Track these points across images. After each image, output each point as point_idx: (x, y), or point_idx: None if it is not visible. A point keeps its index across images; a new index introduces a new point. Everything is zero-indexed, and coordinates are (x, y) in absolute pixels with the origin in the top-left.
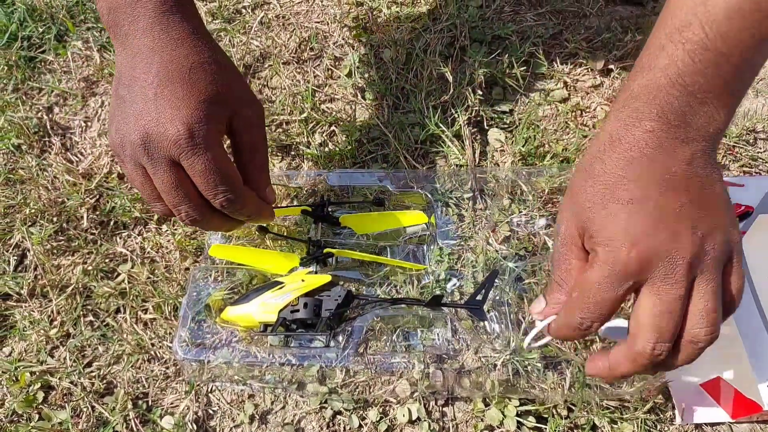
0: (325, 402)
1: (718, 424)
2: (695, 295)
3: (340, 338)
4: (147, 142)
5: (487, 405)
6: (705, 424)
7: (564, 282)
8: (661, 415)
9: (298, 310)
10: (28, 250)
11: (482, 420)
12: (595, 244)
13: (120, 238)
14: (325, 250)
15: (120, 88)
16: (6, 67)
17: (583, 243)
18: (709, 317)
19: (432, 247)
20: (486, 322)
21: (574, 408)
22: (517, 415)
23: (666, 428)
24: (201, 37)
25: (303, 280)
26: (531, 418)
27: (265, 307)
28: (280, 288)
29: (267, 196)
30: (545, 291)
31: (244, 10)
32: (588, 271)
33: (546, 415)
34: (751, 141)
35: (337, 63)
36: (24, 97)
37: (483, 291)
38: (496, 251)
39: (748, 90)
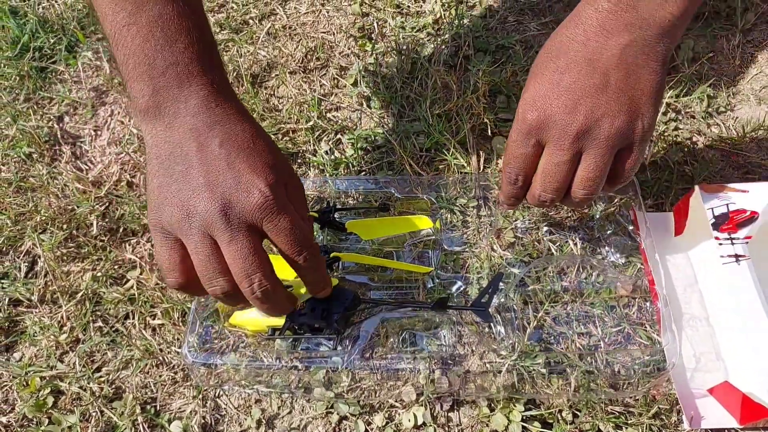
0: (332, 407)
1: (726, 429)
2: (582, 163)
3: (347, 342)
4: (227, 209)
5: (492, 410)
6: (712, 429)
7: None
8: (666, 421)
9: (305, 314)
10: (39, 257)
11: (487, 425)
12: (517, 107)
13: (129, 245)
14: (332, 255)
15: (170, 164)
16: (18, 78)
17: None
18: (586, 183)
19: (437, 253)
20: (491, 325)
21: (579, 413)
22: (523, 420)
23: None
24: (247, 112)
25: None
26: (536, 424)
27: None
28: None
29: None
30: None
31: (251, 21)
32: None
33: (551, 421)
34: (754, 148)
35: (342, 72)
36: (35, 107)
37: (488, 293)
38: (501, 257)
39: None
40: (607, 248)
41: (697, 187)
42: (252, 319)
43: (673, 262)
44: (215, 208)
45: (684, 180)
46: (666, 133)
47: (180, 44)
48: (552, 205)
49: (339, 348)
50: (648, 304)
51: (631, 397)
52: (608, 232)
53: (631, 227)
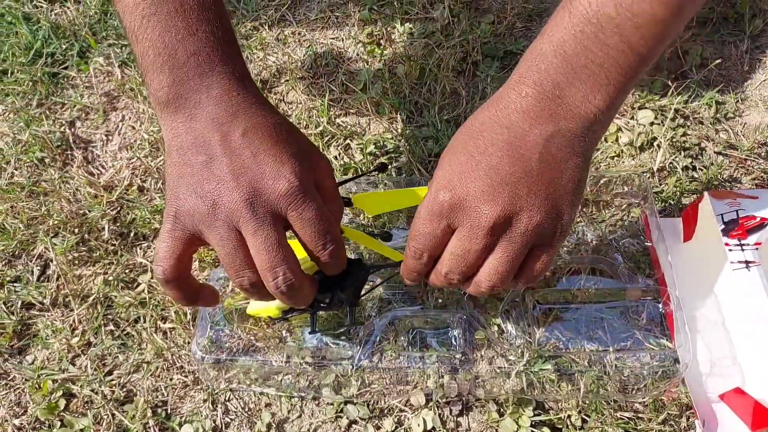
0: (341, 411)
1: None
2: (492, 255)
3: (355, 341)
4: (253, 198)
5: (501, 415)
6: None
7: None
8: (675, 427)
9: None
10: (51, 261)
11: (497, 430)
12: (429, 184)
13: (140, 249)
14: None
15: (192, 155)
16: (31, 83)
17: None
18: (494, 277)
19: None
20: (502, 329)
21: (588, 419)
22: (532, 425)
23: None
24: (268, 102)
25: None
26: (545, 429)
27: None
28: None
29: None
30: None
31: (261, 27)
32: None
33: (560, 426)
34: (763, 154)
35: (351, 78)
36: (47, 112)
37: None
38: None
39: (634, 83)
40: (616, 253)
41: (706, 193)
42: (266, 307)
43: (681, 268)
44: (241, 198)
45: (693, 186)
46: (674, 139)
47: (201, 34)
48: (457, 287)
49: (354, 324)
50: (657, 308)
51: (640, 403)
52: (618, 236)
53: (642, 232)
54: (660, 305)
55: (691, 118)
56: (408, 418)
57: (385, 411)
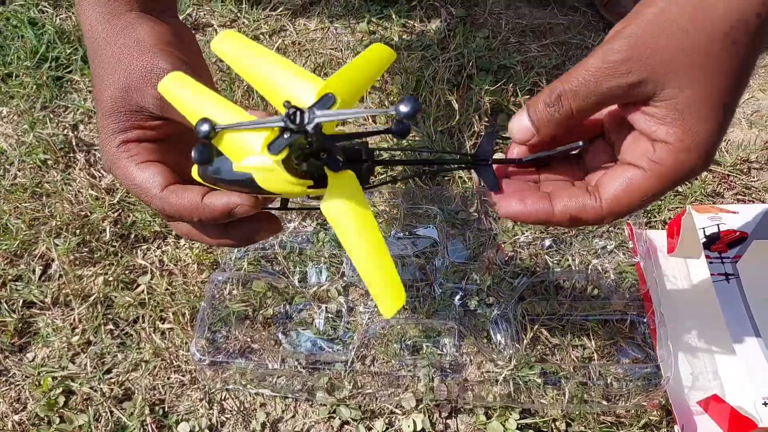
0: (334, 412)
1: None
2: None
3: (348, 346)
4: None
5: (488, 418)
6: None
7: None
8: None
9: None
10: (53, 261)
11: None
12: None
13: (140, 251)
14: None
15: None
16: (35, 86)
17: (634, 100)
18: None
19: (444, 264)
20: (490, 335)
21: (572, 423)
22: (518, 428)
23: None
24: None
25: None
26: None
27: None
28: None
29: None
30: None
31: (261, 36)
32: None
33: (545, 429)
34: (744, 170)
35: None
36: (51, 115)
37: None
38: (500, 269)
39: None
40: (603, 263)
41: (689, 207)
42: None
43: (664, 279)
44: None
45: (677, 200)
46: None
47: None
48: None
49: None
50: (641, 318)
51: (623, 409)
52: (605, 247)
53: (627, 244)
54: (645, 320)
55: None
56: (398, 420)
57: (377, 412)
